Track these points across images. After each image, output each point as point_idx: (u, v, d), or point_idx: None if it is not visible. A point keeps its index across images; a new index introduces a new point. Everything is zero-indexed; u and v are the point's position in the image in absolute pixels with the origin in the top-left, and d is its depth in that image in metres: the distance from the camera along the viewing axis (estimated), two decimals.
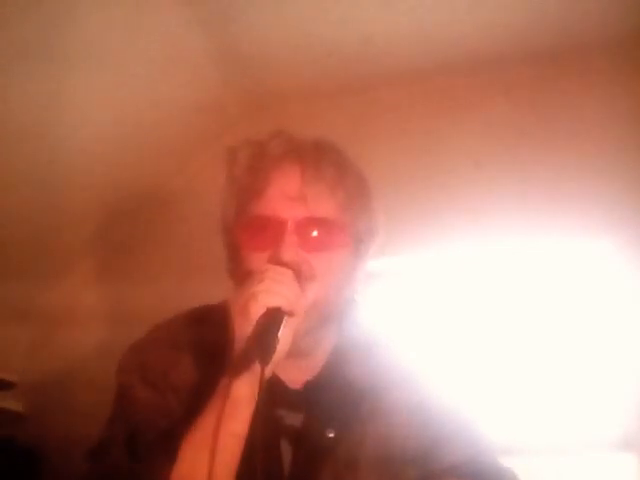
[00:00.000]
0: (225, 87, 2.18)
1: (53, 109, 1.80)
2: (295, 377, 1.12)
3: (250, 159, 1.12)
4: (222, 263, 1.28)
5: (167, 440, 1.00)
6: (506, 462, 1.19)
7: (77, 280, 2.26)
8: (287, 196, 1.06)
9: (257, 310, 0.96)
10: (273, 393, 1.05)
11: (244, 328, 0.97)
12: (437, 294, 2.13)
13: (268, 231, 1.06)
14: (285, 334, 0.98)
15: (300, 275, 1.03)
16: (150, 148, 2.15)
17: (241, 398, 0.98)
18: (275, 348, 0.94)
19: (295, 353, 1.06)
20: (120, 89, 1.91)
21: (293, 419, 1.09)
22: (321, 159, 1.11)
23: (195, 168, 2.28)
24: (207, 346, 1.08)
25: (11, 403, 2.14)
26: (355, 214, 1.12)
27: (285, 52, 2.05)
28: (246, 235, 1.09)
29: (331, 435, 1.08)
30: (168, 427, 1.03)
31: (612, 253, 1.96)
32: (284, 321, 0.98)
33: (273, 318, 0.96)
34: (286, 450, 1.08)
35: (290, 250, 1.04)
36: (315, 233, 1.06)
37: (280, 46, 2.03)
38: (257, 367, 0.94)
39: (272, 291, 0.97)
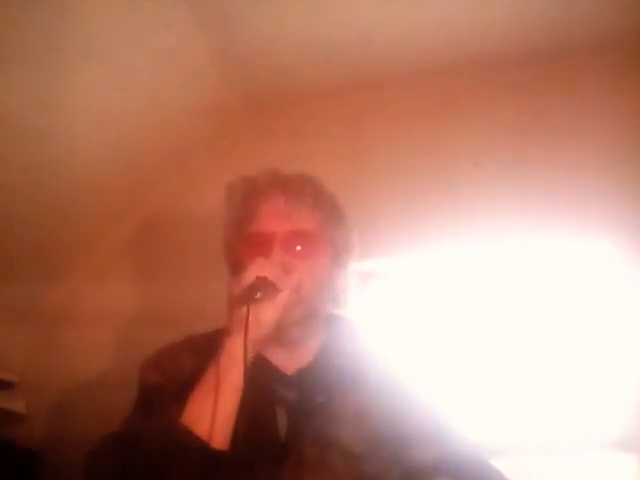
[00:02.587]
0: (225, 87, 2.18)
1: (53, 109, 1.80)
2: (288, 365, 1.31)
3: (244, 191, 1.35)
4: (221, 263, 1.37)
5: (176, 397, 1.18)
6: (505, 462, 1.19)
7: (77, 280, 2.26)
8: (274, 214, 1.30)
9: (248, 278, 1.19)
10: (269, 374, 1.29)
11: (236, 293, 1.18)
12: (436, 294, 2.13)
13: (261, 243, 1.28)
14: (273, 306, 1.19)
15: (286, 268, 1.24)
16: (150, 148, 2.15)
17: (236, 353, 1.16)
18: (260, 295, 1.17)
19: (286, 342, 1.30)
20: (120, 89, 1.91)
21: (287, 393, 1.28)
22: (301, 187, 1.33)
23: (195, 168, 2.28)
24: (213, 350, 1.23)
25: (11, 403, 2.14)
26: (332, 230, 1.35)
27: (285, 52, 2.06)
28: (244, 248, 1.31)
29: (321, 400, 1.27)
30: (177, 390, 1.21)
31: (612, 253, 1.96)
32: (270, 291, 1.19)
33: (261, 283, 1.18)
34: (281, 416, 1.26)
35: (278, 256, 1.26)
36: (298, 241, 1.29)
37: (280, 46, 2.03)
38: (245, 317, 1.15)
39: (261, 266, 1.21)
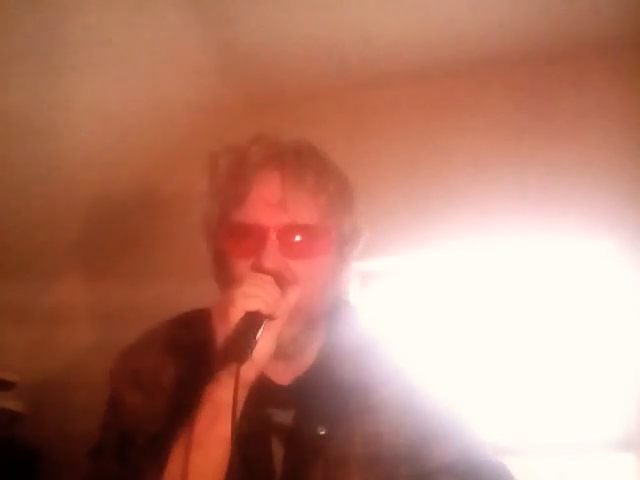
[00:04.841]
0: (225, 87, 2.18)
1: (53, 109, 1.80)
2: (284, 375, 1.13)
3: (231, 166, 1.12)
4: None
5: (156, 445, 1.01)
6: (505, 462, 1.18)
7: (77, 280, 2.26)
8: (268, 203, 1.06)
9: (235, 314, 0.97)
10: (262, 391, 1.05)
11: (224, 333, 0.97)
12: (437, 294, 2.13)
13: (250, 238, 1.05)
14: (268, 337, 0.99)
15: (282, 280, 1.03)
16: (150, 147, 2.15)
17: (224, 403, 0.97)
18: (252, 348, 0.95)
19: (283, 356, 1.08)
20: (120, 89, 1.91)
21: (283, 417, 1.10)
22: (302, 165, 1.09)
23: (195, 167, 2.27)
24: (194, 349, 1.09)
25: (11, 403, 2.13)
26: (338, 218, 1.11)
27: (285, 52, 2.06)
28: (229, 242, 1.08)
29: (322, 432, 1.08)
30: (157, 431, 1.04)
31: (612, 253, 1.96)
32: (264, 324, 0.98)
33: (251, 321, 0.97)
34: (277, 448, 1.08)
35: (271, 257, 1.03)
36: (297, 239, 1.06)
37: (280, 46, 2.03)
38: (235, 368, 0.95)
39: (250, 295, 0.98)
